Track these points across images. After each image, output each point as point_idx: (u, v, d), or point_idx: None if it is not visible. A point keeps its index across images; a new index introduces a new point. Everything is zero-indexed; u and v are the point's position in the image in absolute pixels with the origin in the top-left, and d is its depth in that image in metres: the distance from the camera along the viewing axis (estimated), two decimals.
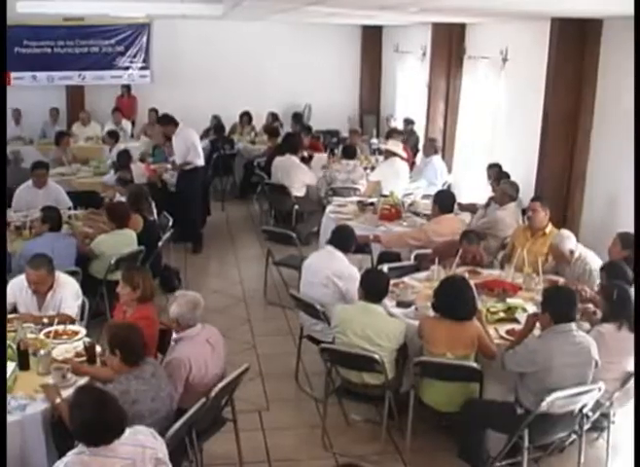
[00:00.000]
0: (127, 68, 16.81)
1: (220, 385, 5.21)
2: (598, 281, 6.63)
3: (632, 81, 8.11)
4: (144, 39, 16.68)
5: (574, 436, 5.65)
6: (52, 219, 7.86)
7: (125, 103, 16.70)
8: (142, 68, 16.83)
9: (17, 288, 6.50)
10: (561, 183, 9.34)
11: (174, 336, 5.61)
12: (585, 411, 5.45)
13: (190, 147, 11.10)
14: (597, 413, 5.61)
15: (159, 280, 8.99)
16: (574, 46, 8.99)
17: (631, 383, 5.59)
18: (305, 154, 12.80)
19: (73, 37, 16.22)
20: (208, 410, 5.16)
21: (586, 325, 5.96)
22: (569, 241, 7.25)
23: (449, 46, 13.15)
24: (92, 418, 3.93)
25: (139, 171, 11.12)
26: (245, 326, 8.59)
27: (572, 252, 7.19)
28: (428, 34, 13.50)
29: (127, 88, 16.94)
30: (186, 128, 11.33)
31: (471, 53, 12.64)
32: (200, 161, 11.32)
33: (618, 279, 6.01)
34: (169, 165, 11.62)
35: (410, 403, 5.82)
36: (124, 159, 11.43)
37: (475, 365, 5.65)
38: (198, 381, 5.29)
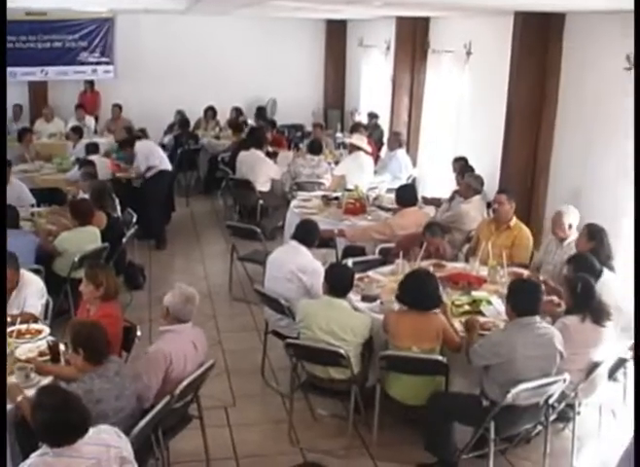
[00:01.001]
0: (91, 64, 16.64)
1: (185, 382, 5.17)
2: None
3: (595, 73, 8.20)
4: (107, 34, 16.51)
5: (540, 427, 5.70)
6: (9, 217, 7.77)
7: (89, 99, 16.55)
8: (105, 63, 16.66)
9: None
10: (525, 176, 9.40)
11: (161, 327, 5.56)
12: (550, 402, 5.49)
13: (148, 154, 11.20)
14: (563, 404, 5.65)
15: (123, 277, 8.95)
16: (537, 40, 9.04)
17: (596, 374, 5.64)
18: (270, 149, 12.77)
19: (35, 32, 16.00)
20: (174, 407, 5.14)
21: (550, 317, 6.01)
22: (572, 216, 7.29)
23: (413, 40, 13.15)
24: (55, 419, 3.89)
25: (103, 166, 11.03)
26: (210, 322, 8.55)
27: (570, 227, 7.23)
28: (392, 28, 13.50)
29: (91, 83, 16.78)
30: (144, 141, 11.77)
31: (435, 46, 12.66)
32: (164, 165, 11.38)
33: (584, 271, 6.06)
34: (133, 175, 11.47)
35: (377, 397, 5.83)
36: (91, 150, 11.56)
37: (440, 358, 5.66)
38: (174, 379, 5.24)
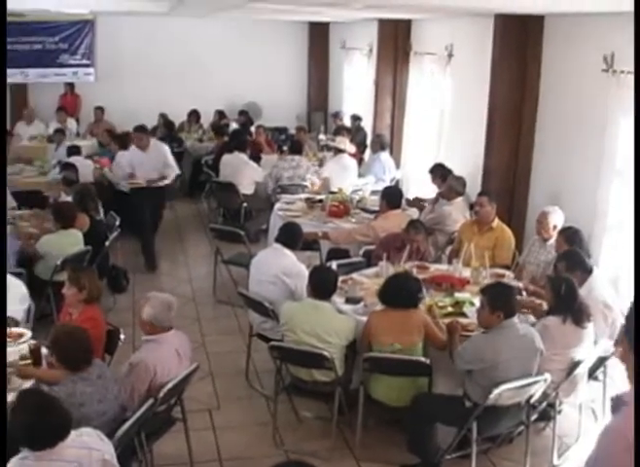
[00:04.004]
0: (72, 66, 16.59)
1: (169, 386, 5.16)
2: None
3: (575, 76, 8.26)
4: (88, 36, 16.47)
5: (521, 426, 5.73)
6: None
7: (69, 101, 16.51)
8: (86, 66, 16.63)
9: None
10: (507, 177, 9.44)
11: (145, 337, 5.52)
12: (531, 401, 5.52)
13: (164, 160, 10.68)
14: (544, 404, 5.69)
15: (106, 280, 8.92)
16: (517, 42, 9.09)
17: (576, 373, 5.68)
18: (253, 151, 12.77)
19: (15, 34, 15.94)
20: (158, 410, 5.14)
21: (532, 318, 6.05)
22: (557, 217, 7.35)
23: (395, 42, 13.20)
24: (35, 422, 3.86)
25: (86, 169, 11.00)
26: (194, 325, 8.54)
27: (555, 228, 7.27)
28: (374, 31, 13.54)
29: (71, 86, 16.74)
30: (158, 142, 11.14)
31: (417, 48, 12.70)
32: (175, 173, 11.03)
33: (577, 267, 6.19)
34: (141, 181, 10.48)
35: (360, 399, 5.85)
36: (73, 152, 11.59)
37: (423, 359, 5.68)
38: (157, 387, 5.20)
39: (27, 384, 5.05)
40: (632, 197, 6.72)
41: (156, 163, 10.49)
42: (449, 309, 6.35)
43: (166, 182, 10.72)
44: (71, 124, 15.32)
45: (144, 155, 10.44)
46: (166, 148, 10.88)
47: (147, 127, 11.17)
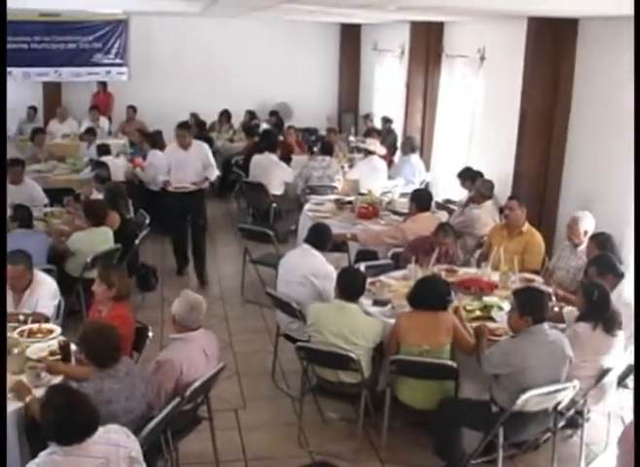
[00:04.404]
0: (105, 65, 16.69)
1: (196, 384, 5.18)
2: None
3: (608, 80, 8.18)
4: (122, 36, 16.56)
5: (548, 433, 5.69)
6: (21, 216, 7.83)
7: (102, 100, 16.63)
8: (119, 65, 16.72)
9: None
10: (538, 181, 9.37)
11: (172, 335, 5.57)
12: (559, 408, 5.48)
13: (205, 161, 10.11)
14: (572, 411, 5.64)
15: (135, 279, 8.96)
16: (550, 45, 9.02)
17: (605, 380, 5.63)
18: (283, 152, 12.78)
19: (50, 33, 16.08)
20: (184, 409, 5.16)
21: (561, 324, 6.01)
22: (588, 222, 7.30)
23: (427, 44, 13.15)
24: (64, 417, 3.91)
25: (117, 168, 11.07)
26: (222, 324, 8.57)
27: (586, 233, 7.22)
28: (406, 32, 13.51)
29: (104, 85, 16.86)
30: (199, 141, 10.50)
31: (449, 51, 12.66)
32: (216, 173, 10.55)
33: (608, 272, 6.17)
34: (186, 184, 9.86)
35: (386, 401, 5.84)
36: (103, 152, 11.64)
37: (450, 363, 5.66)
38: (185, 384, 5.23)
39: (56, 380, 5.09)
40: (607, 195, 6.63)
41: (195, 163, 10.00)
42: (477, 313, 6.32)
43: (207, 184, 10.34)
44: (103, 122, 15.45)
45: (184, 154, 9.94)
46: (207, 147, 10.37)
47: (189, 124, 10.87)
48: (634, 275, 6.33)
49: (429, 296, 5.88)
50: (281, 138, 13.59)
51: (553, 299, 6.44)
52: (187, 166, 9.92)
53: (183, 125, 10.21)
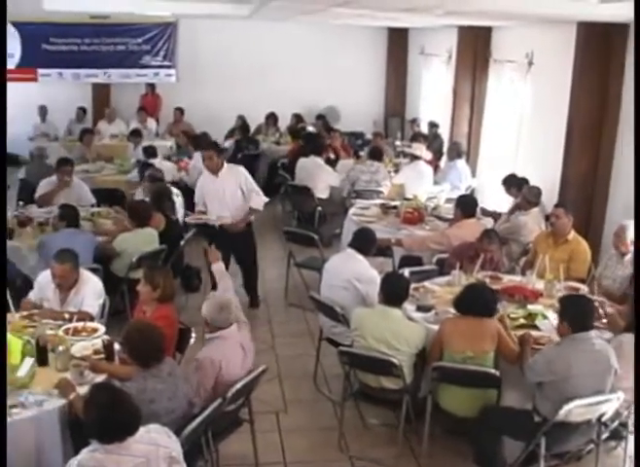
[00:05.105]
0: (153, 67, 16.85)
1: (237, 386, 5.21)
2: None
3: None
4: (170, 38, 16.71)
5: (592, 445, 5.60)
6: (69, 216, 7.93)
7: (150, 102, 16.80)
8: (167, 67, 16.87)
9: (44, 282, 6.57)
10: (585, 189, 9.28)
11: (207, 335, 5.60)
12: (603, 419, 5.41)
13: (245, 187, 8.78)
14: (616, 423, 5.56)
15: (180, 280, 9.01)
16: (599, 51, 8.93)
17: None
18: (332, 155, 12.80)
19: (99, 35, 16.28)
20: (226, 410, 5.18)
21: (608, 333, 5.93)
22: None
23: (475, 49, 13.10)
24: (107, 416, 3.96)
25: (164, 170, 11.15)
26: (265, 327, 8.60)
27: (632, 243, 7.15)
28: (454, 37, 13.46)
29: (152, 86, 17.03)
30: (234, 165, 9.18)
31: (497, 56, 12.58)
32: (264, 200, 9.02)
33: None
34: (225, 221, 8.67)
35: (428, 408, 5.81)
36: (150, 153, 11.71)
37: (493, 371, 5.62)
38: (225, 382, 5.28)
39: (99, 379, 5.14)
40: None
41: (230, 191, 8.65)
42: (521, 321, 6.27)
43: (251, 217, 8.95)
44: (151, 123, 15.60)
45: (215, 180, 8.70)
46: (244, 171, 8.90)
47: (219, 145, 9.49)
48: (634, 274, 6.23)
49: (476, 302, 5.85)
50: (327, 142, 13.60)
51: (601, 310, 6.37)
52: (219, 196, 8.69)
53: (209, 145, 9.10)
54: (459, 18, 11.07)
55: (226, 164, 8.81)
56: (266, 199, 9.11)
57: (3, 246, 6.53)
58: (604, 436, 5.54)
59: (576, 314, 5.34)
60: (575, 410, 5.10)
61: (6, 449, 3.89)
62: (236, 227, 8.68)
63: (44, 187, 9.78)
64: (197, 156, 11.40)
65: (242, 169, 8.93)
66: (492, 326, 5.78)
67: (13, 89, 15.74)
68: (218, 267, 6.48)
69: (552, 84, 10.21)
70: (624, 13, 7.14)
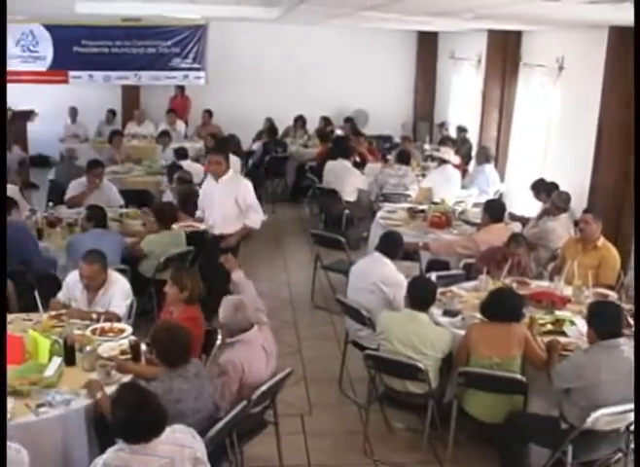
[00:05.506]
0: (183, 69, 16.94)
1: (262, 388, 5.21)
2: None
3: None
4: (200, 41, 16.79)
5: (619, 454, 5.54)
6: (96, 216, 7.97)
7: (179, 104, 16.89)
8: (197, 70, 16.95)
9: (72, 282, 6.61)
10: (615, 195, 9.19)
11: (228, 340, 5.59)
12: (632, 428, 5.35)
13: (243, 201, 8.41)
14: None
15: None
16: (631, 55, 8.84)
17: None
18: (358, 159, 12.79)
19: (130, 37, 16.43)
20: (251, 412, 5.19)
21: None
22: None
23: (505, 53, 13.03)
24: (133, 416, 3.98)
25: (193, 171, 11.20)
26: (291, 329, 8.60)
27: None
28: (484, 41, 13.41)
29: (181, 88, 17.12)
30: (239, 176, 8.92)
31: (527, 60, 12.51)
32: (261, 219, 8.61)
33: None
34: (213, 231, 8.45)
35: (453, 413, 5.78)
36: (181, 155, 11.75)
37: (520, 377, 5.58)
38: (250, 384, 5.29)
39: (126, 379, 5.16)
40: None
41: (225, 201, 8.35)
42: (549, 327, 6.23)
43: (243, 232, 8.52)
44: (180, 125, 15.67)
45: (215, 186, 8.46)
46: (249, 185, 8.52)
47: (240, 148, 9.34)
48: (635, 275, 6.16)
49: (503, 307, 5.82)
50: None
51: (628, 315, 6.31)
52: (211, 203, 8.50)
53: (219, 147, 8.81)
54: (489, 22, 11.01)
55: (231, 173, 8.48)
56: (264, 218, 8.65)
57: (3, 245, 6.56)
58: (632, 445, 5.48)
59: (605, 321, 5.30)
60: (603, 418, 5.05)
61: (6, 449, 3.90)
62: (226, 241, 8.30)
63: (74, 188, 9.85)
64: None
65: (247, 183, 8.54)
66: (519, 331, 5.75)
67: (44, 90, 16.05)
68: (238, 275, 6.42)
69: (583, 88, 10.13)
70: None
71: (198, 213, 8.71)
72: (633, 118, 7.17)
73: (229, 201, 8.34)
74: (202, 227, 8.45)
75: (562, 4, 5.78)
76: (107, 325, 5.98)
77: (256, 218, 8.47)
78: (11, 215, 7.88)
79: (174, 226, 8.35)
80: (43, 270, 7.56)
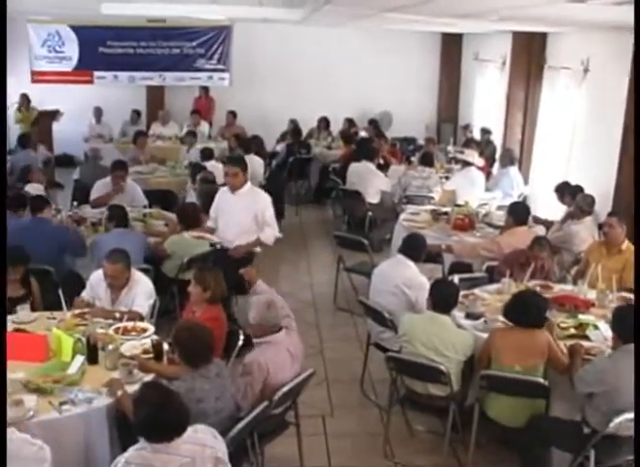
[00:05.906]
0: (207, 70, 16.98)
1: (284, 389, 5.22)
2: None
3: None
4: (224, 42, 16.82)
5: None
6: (117, 216, 8.01)
7: (203, 104, 16.94)
8: (221, 71, 16.98)
9: (95, 281, 6.66)
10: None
11: (255, 340, 5.59)
12: None
13: (261, 215, 8.22)
14: None
15: None
16: None
17: None
18: (381, 161, 12.78)
19: (155, 38, 16.47)
20: (272, 413, 5.20)
21: None
22: None
23: (529, 55, 12.97)
24: (156, 415, 4.00)
25: (216, 173, 11.23)
26: (313, 331, 8.60)
27: None
28: (508, 43, 13.36)
29: (205, 89, 17.16)
30: (257, 189, 8.65)
31: (551, 62, 12.46)
32: (276, 236, 8.44)
33: None
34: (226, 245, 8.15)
35: (475, 416, 5.75)
36: (207, 155, 11.78)
37: (542, 381, 5.55)
38: (273, 386, 5.29)
39: (148, 378, 5.19)
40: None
41: (241, 214, 8.15)
42: (572, 331, 6.18)
43: (256, 246, 8.31)
44: (204, 126, 15.71)
45: (231, 198, 8.29)
46: (268, 199, 8.32)
47: (245, 162, 8.45)
48: (635, 274, 6.10)
49: (526, 311, 5.76)
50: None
51: None
52: (229, 215, 8.28)
53: (234, 158, 8.79)
54: (514, 24, 10.97)
55: (249, 185, 8.26)
56: (279, 235, 8.43)
57: (3, 245, 6.60)
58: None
59: (628, 325, 5.26)
60: (625, 423, 5.01)
61: (6, 449, 3.92)
62: (235, 251, 8.10)
63: (98, 189, 9.91)
64: (249, 158, 11.45)
65: (266, 197, 8.31)
66: (543, 339, 5.69)
67: (69, 90, 16.15)
68: (261, 286, 6.38)
69: (608, 91, 10.08)
70: None
71: (209, 223, 8.46)
72: (633, 118, 7.07)
73: (247, 216, 8.14)
74: (215, 239, 8.21)
75: (587, 5, 5.73)
76: (130, 324, 6.00)
77: (270, 234, 8.27)
78: (43, 213, 7.98)
79: (185, 234, 8.16)
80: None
